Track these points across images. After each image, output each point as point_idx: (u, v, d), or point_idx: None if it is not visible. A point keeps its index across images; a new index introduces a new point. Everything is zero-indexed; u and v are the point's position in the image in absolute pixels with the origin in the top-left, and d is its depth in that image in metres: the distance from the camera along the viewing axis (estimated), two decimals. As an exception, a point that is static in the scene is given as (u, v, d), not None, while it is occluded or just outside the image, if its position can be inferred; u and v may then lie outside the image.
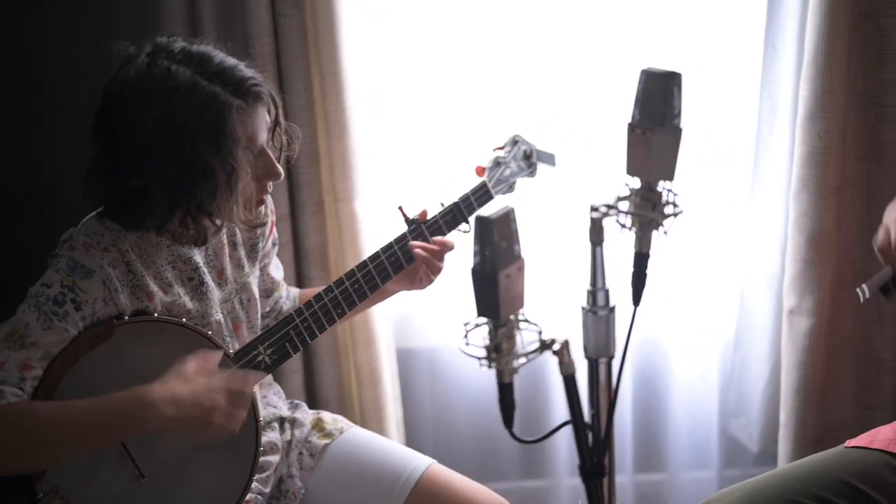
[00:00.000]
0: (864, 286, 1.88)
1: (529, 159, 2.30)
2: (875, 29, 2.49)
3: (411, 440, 2.90)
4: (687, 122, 2.66)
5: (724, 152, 2.79)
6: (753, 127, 2.74)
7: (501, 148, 2.29)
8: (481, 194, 2.23)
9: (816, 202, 2.56)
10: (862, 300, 1.89)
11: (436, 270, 2.17)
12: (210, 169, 1.78)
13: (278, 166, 1.90)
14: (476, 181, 2.24)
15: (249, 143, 1.83)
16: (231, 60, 1.84)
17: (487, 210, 1.40)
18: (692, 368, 2.92)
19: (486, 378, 2.28)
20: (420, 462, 2.16)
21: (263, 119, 1.86)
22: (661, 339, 2.91)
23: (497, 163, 2.26)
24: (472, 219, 2.15)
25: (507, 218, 1.43)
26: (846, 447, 2.11)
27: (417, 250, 2.13)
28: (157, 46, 1.82)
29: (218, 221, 1.87)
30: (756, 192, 2.77)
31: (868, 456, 2.02)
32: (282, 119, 1.94)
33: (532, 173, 2.32)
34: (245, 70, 1.83)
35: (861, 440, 2.10)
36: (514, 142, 2.30)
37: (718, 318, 2.90)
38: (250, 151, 1.84)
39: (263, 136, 1.87)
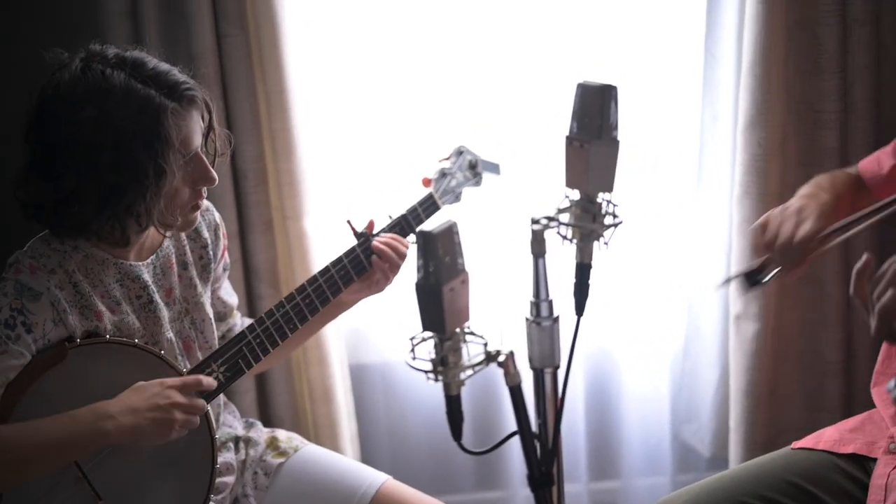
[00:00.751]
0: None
1: (475, 169, 2.33)
2: (811, 37, 2.54)
3: (367, 456, 2.91)
4: (630, 131, 2.70)
5: (668, 161, 2.82)
6: (696, 135, 2.78)
7: (447, 159, 2.31)
8: (428, 205, 2.25)
9: (759, 208, 2.60)
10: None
11: (395, 267, 2.18)
12: (143, 171, 1.78)
13: (212, 171, 1.90)
14: (423, 192, 2.26)
15: (183, 146, 1.83)
16: (164, 65, 1.84)
17: (430, 224, 1.42)
18: (643, 376, 2.94)
19: (440, 391, 2.30)
20: (375, 478, 2.16)
21: (197, 123, 1.87)
22: (611, 348, 2.93)
23: (443, 174, 2.29)
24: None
25: (450, 232, 1.44)
26: (792, 449, 2.15)
27: (378, 244, 2.15)
28: (90, 52, 1.83)
29: (143, 223, 1.87)
30: (700, 199, 2.80)
31: (813, 457, 2.06)
32: (216, 124, 1.95)
33: (478, 183, 2.35)
34: (178, 74, 1.84)
35: (807, 441, 2.14)
36: (459, 152, 2.32)
37: (667, 326, 2.93)
38: (183, 155, 1.84)
39: (197, 141, 1.87)
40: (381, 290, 2.21)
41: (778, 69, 2.53)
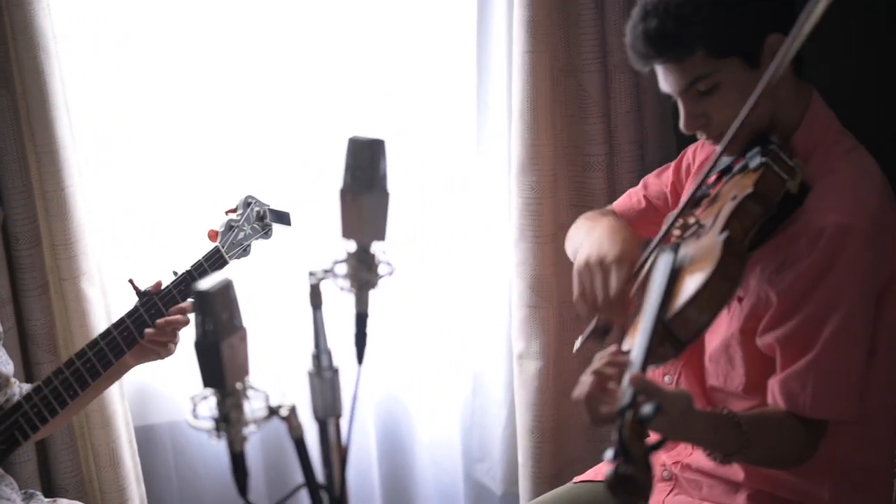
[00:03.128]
0: (578, 339, 2.06)
1: (263, 220, 2.31)
2: (576, 84, 2.65)
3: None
4: (413, 176, 2.75)
5: (448, 206, 2.88)
6: (473, 181, 2.85)
7: (234, 210, 2.29)
8: (215, 260, 2.22)
9: (534, 249, 2.69)
10: (576, 349, 2.08)
11: (174, 341, 2.16)
12: None
13: None
14: (210, 246, 2.24)
15: None
16: None
17: (206, 283, 1.41)
18: (434, 419, 2.99)
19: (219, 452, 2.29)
20: None
21: None
22: (401, 393, 2.97)
23: (230, 226, 2.27)
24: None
25: (227, 289, 1.44)
26: (574, 483, 2.23)
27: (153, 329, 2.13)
28: None
29: None
30: (481, 243, 2.88)
31: (594, 489, 2.15)
32: None
33: (267, 235, 2.33)
34: None
35: (587, 475, 2.24)
36: (247, 203, 2.30)
37: (456, 368, 2.98)
38: None
39: None
40: (162, 357, 2.18)
41: (545, 115, 2.62)
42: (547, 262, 2.70)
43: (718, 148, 1.89)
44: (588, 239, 2.08)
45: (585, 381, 1.66)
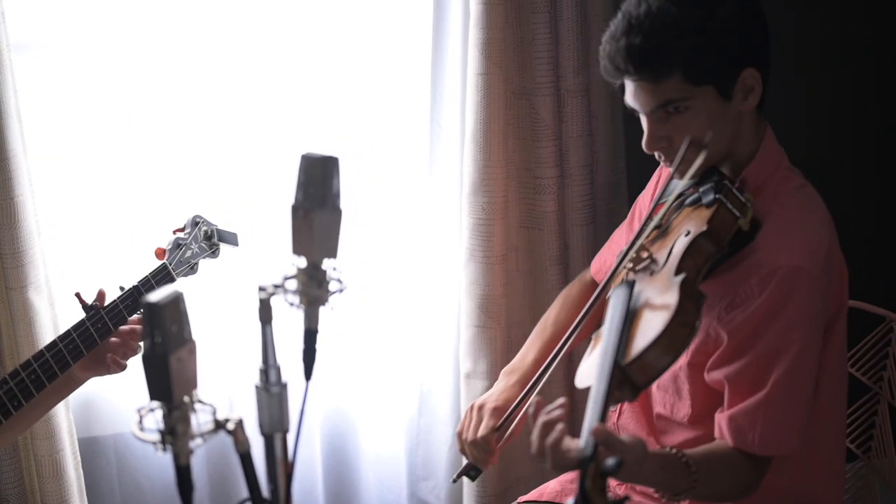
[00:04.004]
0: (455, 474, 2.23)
1: (211, 240, 2.32)
2: (529, 107, 2.67)
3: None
4: (366, 194, 2.76)
5: (400, 225, 2.90)
6: (426, 200, 2.87)
7: (181, 230, 2.30)
8: (162, 276, 2.23)
9: (484, 270, 2.71)
10: (454, 481, 2.30)
11: (126, 356, 2.16)
12: None
13: None
14: (157, 264, 2.24)
15: None
16: None
17: (156, 295, 1.42)
18: (381, 436, 2.99)
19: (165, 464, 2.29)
20: None
21: None
22: (349, 409, 2.97)
23: (177, 244, 2.27)
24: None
25: (177, 302, 1.44)
26: (519, 503, 2.25)
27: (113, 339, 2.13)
28: None
29: None
30: (432, 262, 2.89)
31: (538, 509, 2.17)
32: None
33: (214, 254, 2.34)
34: None
35: (532, 495, 2.26)
36: (195, 223, 2.31)
37: (404, 385, 2.99)
38: None
39: None
40: (111, 372, 2.18)
41: (498, 137, 2.65)
42: (496, 282, 2.72)
43: (671, 171, 1.93)
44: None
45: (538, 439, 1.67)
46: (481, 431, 2.15)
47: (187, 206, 2.42)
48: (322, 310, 1.57)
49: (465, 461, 2.21)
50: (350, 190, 2.72)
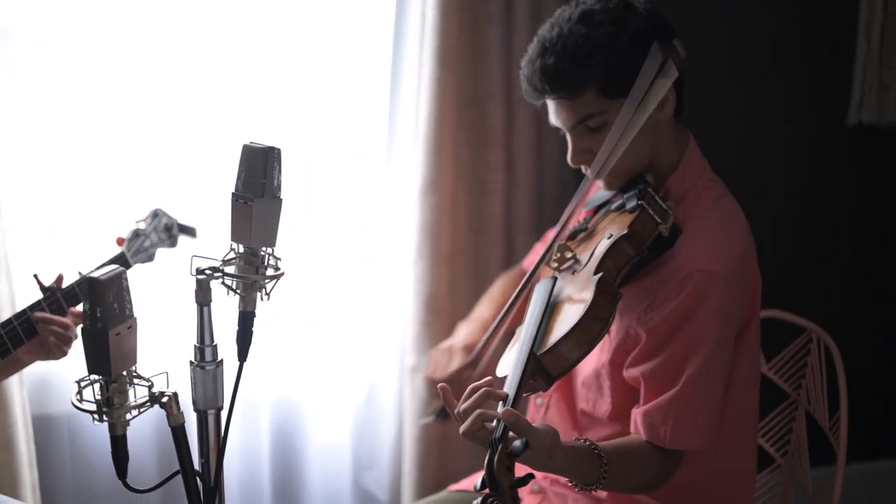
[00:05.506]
0: (424, 418, 2.33)
1: (170, 231, 2.41)
2: (480, 114, 2.77)
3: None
4: (324, 188, 2.81)
5: (354, 222, 2.96)
6: (382, 197, 2.95)
7: (143, 220, 2.39)
8: (119, 263, 2.30)
9: (431, 269, 2.80)
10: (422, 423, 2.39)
11: (66, 341, 2.21)
12: None
13: None
14: (116, 251, 2.33)
15: None
16: None
17: (98, 272, 1.49)
18: (327, 426, 3.06)
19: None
20: None
21: None
22: (297, 399, 3.03)
23: (136, 234, 2.36)
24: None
25: (118, 279, 1.51)
26: (450, 490, 2.34)
27: (43, 324, 2.17)
28: None
29: None
30: (384, 260, 2.97)
31: (468, 497, 2.25)
32: None
33: (173, 244, 2.43)
34: None
35: (461, 484, 2.35)
36: (155, 215, 2.40)
37: (352, 378, 3.06)
38: None
39: None
40: (56, 357, 2.23)
41: (449, 141, 2.75)
42: (442, 281, 2.82)
43: (591, 176, 2.03)
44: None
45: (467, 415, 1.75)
46: (454, 365, 2.28)
47: (155, 197, 2.51)
48: (259, 295, 1.64)
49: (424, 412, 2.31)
50: (308, 186, 2.82)
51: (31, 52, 2.69)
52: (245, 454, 2.98)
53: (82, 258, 2.41)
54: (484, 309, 2.48)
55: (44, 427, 2.90)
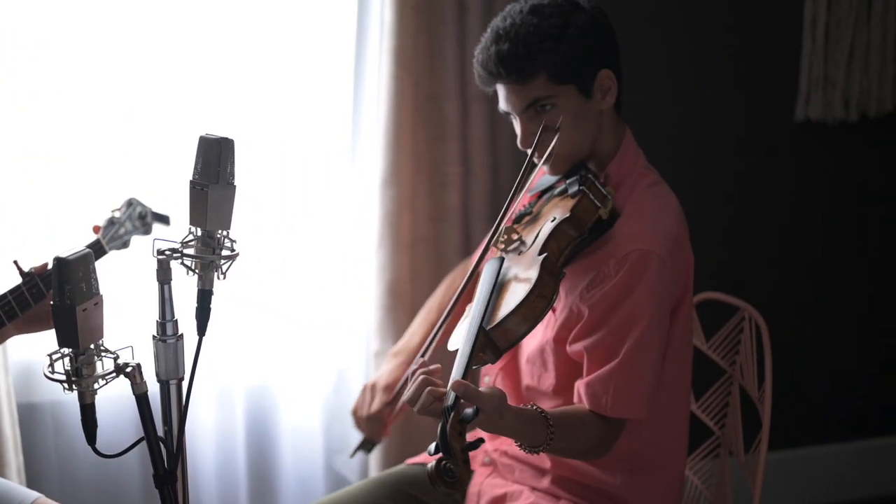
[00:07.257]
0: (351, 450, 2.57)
1: (144, 219, 2.54)
2: (437, 110, 2.90)
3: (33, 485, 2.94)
4: (291, 180, 2.91)
5: (321, 211, 3.07)
6: (346, 188, 3.06)
7: (118, 209, 2.52)
8: (95, 250, 2.42)
9: (393, 256, 2.93)
10: (352, 456, 2.64)
11: None
12: None
13: None
14: (93, 238, 2.46)
15: None
16: None
17: (67, 252, 1.62)
18: (299, 411, 3.16)
19: (109, 427, 2.48)
20: (27, 495, 2.24)
21: None
22: (270, 386, 3.14)
23: (112, 222, 2.48)
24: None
25: (86, 259, 1.63)
26: (407, 464, 2.48)
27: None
28: None
29: None
30: (350, 249, 3.09)
31: (423, 470, 2.38)
32: None
33: (147, 232, 2.54)
34: None
35: (418, 458, 2.48)
36: (130, 204, 2.52)
37: (322, 365, 3.16)
38: None
39: None
40: (43, 329, 2.34)
41: (408, 136, 2.88)
42: (403, 268, 2.95)
43: (532, 159, 2.16)
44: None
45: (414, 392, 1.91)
46: (374, 406, 2.47)
47: (131, 187, 2.61)
48: (217, 275, 1.77)
49: (359, 439, 2.54)
50: (276, 180, 2.94)
51: (31, 52, 2.78)
52: (221, 439, 3.09)
53: (61, 245, 2.52)
54: (441, 295, 2.62)
55: (29, 416, 2.99)
